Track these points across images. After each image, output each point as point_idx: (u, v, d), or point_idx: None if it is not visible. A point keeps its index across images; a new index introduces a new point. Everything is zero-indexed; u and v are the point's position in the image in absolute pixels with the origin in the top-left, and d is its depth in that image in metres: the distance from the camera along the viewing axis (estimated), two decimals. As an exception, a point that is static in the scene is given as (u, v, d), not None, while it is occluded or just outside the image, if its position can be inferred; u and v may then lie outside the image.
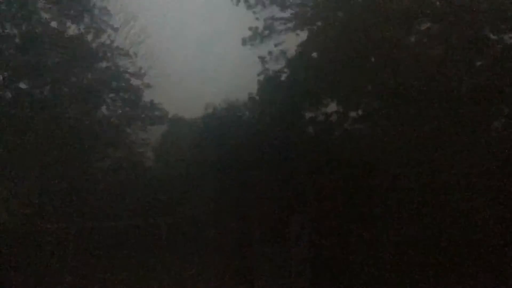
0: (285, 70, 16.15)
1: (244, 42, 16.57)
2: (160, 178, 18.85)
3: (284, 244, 14.77)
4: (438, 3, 14.56)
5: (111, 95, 18.99)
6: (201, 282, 15.25)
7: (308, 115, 15.90)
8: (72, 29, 18.05)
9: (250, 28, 16.52)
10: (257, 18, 16.54)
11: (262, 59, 16.54)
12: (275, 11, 16.60)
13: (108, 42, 18.86)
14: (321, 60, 15.04)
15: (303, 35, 16.32)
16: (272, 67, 16.51)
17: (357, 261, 14.23)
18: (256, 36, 16.50)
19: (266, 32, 16.53)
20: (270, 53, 16.60)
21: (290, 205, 15.03)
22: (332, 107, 15.70)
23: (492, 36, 14.17)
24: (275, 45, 16.51)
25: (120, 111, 19.32)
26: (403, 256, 13.75)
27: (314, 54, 15.59)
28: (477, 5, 13.85)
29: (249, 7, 16.52)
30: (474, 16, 13.81)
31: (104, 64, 18.75)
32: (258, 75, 16.42)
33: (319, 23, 15.61)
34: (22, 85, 17.30)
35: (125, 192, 17.31)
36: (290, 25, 16.48)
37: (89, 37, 18.67)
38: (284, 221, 14.86)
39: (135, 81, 19.27)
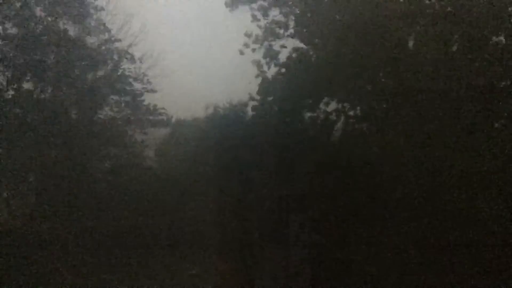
0: (285, 69, 16.14)
1: (241, 52, 16.54)
2: (160, 178, 18.86)
3: (284, 244, 14.77)
4: (438, 3, 14.53)
5: (114, 97, 19.01)
6: (201, 282, 15.26)
7: (308, 114, 15.88)
8: (74, 30, 18.04)
9: (247, 34, 16.41)
10: (257, 25, 16.48)
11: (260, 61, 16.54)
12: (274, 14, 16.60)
13: (109, 43, 18.85)
14: (320, 59, 15.02)
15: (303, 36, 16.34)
16: (272, 66, 16.48)
17: (357, 261, 14.24)
18: (256, 41, 16.47)
19: (266, 37, 16.48)
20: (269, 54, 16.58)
21: (290, 205, 15.03)
22: (332, 106, 15.71)
23: (492, 37, 14.15)
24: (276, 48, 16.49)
25: (122, 113, 19.33)
26: (403, 256, 13.75)
27: (314, 54, 15.56)
28: (477, 5, 13.84)
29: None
30: (474, 16, 13.80)
31: (109, 67, 18.76)
32: (257, 76, 16.39)
33: (319, 22, 15.57)
34: (24, 85, 17.32)
35: (125, 192, 17.32)
36: (290, 30, 16.45)
37: (90, 38, 18.68)
38: (284, 221, 14.86)
39: (137, 85, 19.28)
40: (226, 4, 16.54)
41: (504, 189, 13.16)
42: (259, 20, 16.45)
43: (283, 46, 16.28)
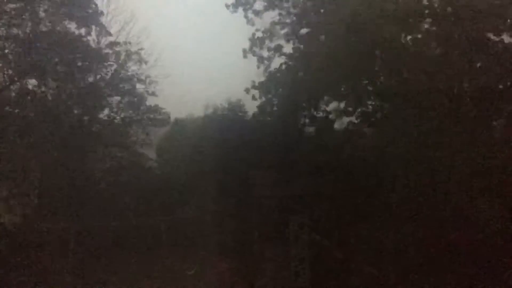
0: (284, 70, 16.15)
1: (244, 54, 16.57)
2: (160, 178, 18.88)
3: (284, 244, 14.77)
4: (438, 3, 14.53)
5: (116, 97, 19.01)
6: (201, 282, 15.26)
7: (307, 115, 15.89)
8: (76, 30, 18.02)
9: (249, 39, 16.45)
10: (256, 30, 16.54)
11: (261, 59, 16.52)
12: (274, 15, 16.60)
13: (112, 44, 18.83)
14: (320, 59, 15.02)
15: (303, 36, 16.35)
16: (272, 67, 16.51)
17: (357, 261, 14.25)
18: (256, 44, 16.49)
19: (266, 38, 16.50)
20: (269, 53, 16.60)
21: (290, 205, 15.03)
22: (332, 106, 15.74)
23: (492, 36, 14.14)
24: (275, 50, 16.49)
25: (123, 113, 19.33)
26: (403, 256, 13.75)
27: (314, 54, 15.56)
28: (477, 5, 13.83)
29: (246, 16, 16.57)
30: (474, 16, 13.80)
31: (113, 68, 18.75)
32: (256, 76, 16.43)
33: (319, 22, 15.57)
34: (25, 85, 17.31)
35: (125, 192, 17.33)
36: (289, 30, 16.45)
37: (93, 36, 18.66)
38: (284, 221, 14.86)
39: (139, 85, 19.28)
40: (227, 6, 16.55)
41: (504, 189, 13.15)
42: (260, 20, 16.52)
43: (282, 48, 16.36)
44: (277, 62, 16.36)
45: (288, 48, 16.33)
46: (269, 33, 16.41)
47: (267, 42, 16.46)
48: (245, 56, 16.54)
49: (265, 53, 16.51)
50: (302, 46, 16.11)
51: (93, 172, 18.23)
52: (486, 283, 12.72)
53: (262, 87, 16.24)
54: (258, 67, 16.45)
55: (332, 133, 15.80)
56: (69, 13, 17.52)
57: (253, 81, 16.33)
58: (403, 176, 14.21)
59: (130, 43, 18.91)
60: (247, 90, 16.46)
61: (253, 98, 16.39)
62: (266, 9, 16.36)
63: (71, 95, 17.80)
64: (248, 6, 16.44)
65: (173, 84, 20.18)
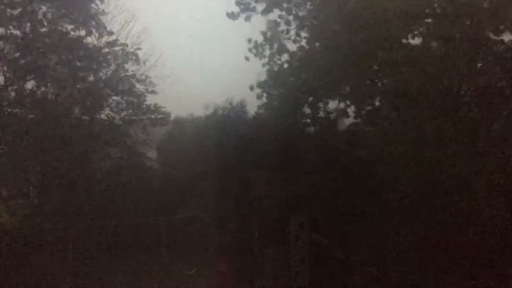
0: (286, 69, 16.16)
1: (247, 58, 16.56)
2: (160, 178, 18.88)
3: (284, 244, 14.77)
4: (438, 3, 14.53)
5: (116, 97, 18.99)
6: (201, 282, 15.26)
7: (308, 115, 15.90)
8: (76, 31, 17.99)
9: (249, 41, 16.42)
10: (262, 32, 16.50)
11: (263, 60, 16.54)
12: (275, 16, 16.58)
13: (112, 45, 18.80)
14: (321, 60, 15.03)
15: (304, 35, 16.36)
16: (273, 66, 16.49)
17: (357, 261, 14.25)
18: (257, 47, 16.46)
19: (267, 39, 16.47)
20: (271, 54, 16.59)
21: (290, 205, 15.04)
22: (332, 106, 15.75)
23: (493, 36, 14.15)
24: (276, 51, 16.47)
25: (123, 113, 19.31)
26: (403, 256, 13.76)
27: (315, 54, 15.57)
28: (477, 5, 13.83)
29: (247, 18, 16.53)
30: (475, 16, 13.81)
31: (112, 68, 18.73)
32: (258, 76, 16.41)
33: (320, 20, 15.55)
34: (26, 85, 17.30)
35: (125, 192, 17.32)
36: (292, 31, 16.46)
37: (92, 39, 18.64)
38: (284, 221, 14.87)
39: (140, 86, 19.26)
40: (228, 16, 16.45)
41: (504, 189, 13.16)
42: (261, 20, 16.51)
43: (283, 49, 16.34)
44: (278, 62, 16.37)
45: (289, 48, 16.33)
46: (270, 34, 16.38)
47: (268, 43, 16.44)
48: (247, 59, 16.53)
49: (267, 54, 16.50)
50: (303, 46, 16.10)
51: (93, 172, 18.21)
52: (486, 283, 12.73)
53: (266, 84, 16.23)
54: (263, 66, 16.41)
55: (333, 133, 15.81)
56: (69, 13, 17.52)
57: (258, 79, 16.33)
58: (403, 176, 14.21)
59: (127, 45, 18.90)
60: (251, 87, 16.41)
61: (258, 97, 16.37)
62: (267, 10, 16.32)
63: (71, 95, 17.78)
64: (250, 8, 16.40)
65: (173, 84, 20.18)
